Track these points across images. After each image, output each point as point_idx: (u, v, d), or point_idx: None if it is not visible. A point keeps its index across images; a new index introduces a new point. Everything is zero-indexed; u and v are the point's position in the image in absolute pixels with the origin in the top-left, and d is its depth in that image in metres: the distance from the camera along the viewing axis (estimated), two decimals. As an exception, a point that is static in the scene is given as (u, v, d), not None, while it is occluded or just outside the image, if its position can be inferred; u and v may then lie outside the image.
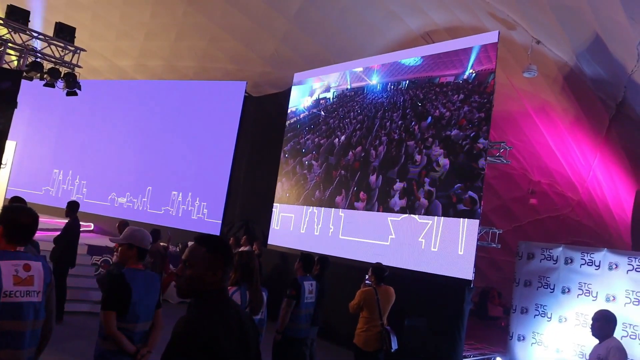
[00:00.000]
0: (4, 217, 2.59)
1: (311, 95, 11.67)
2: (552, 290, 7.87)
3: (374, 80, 10.09)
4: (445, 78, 8.76)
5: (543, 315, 7.90)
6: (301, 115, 11.68)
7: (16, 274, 2.48)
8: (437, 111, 8.75)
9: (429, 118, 8.84)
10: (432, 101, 8.92)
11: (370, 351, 5.33)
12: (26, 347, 2.52)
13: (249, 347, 1.98)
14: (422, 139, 8.88)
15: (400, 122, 9.42)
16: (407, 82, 9.47)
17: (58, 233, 7.77)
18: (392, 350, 5.32)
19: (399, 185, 8.93)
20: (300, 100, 11.74)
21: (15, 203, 5.45)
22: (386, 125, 9.75)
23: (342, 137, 10.64)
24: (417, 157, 8.83)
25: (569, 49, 8.22)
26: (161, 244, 8.98)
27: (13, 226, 2.57)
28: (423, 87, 9.18)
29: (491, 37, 8.07)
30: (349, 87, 10.70)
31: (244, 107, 12.92)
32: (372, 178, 9.54)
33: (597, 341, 4.15)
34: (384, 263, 6.04)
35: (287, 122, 11.75)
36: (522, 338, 8.11)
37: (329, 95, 11.12)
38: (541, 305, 7.95)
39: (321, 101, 11.31)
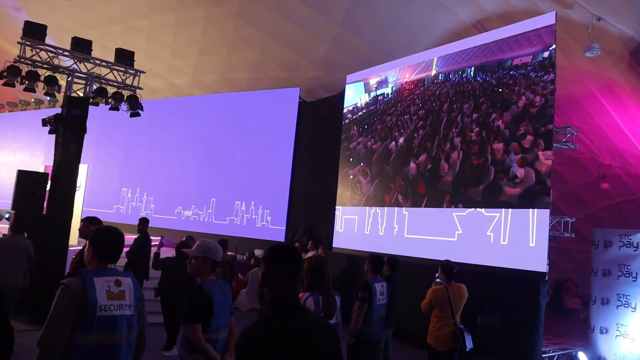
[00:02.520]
0: (93, 239, 2.77)
1: (368, 92, 11.59)
2: (634, 279, 7.45)
3: (434, 71, 9.81)
4: (520, 59, 8.16)
5: (626, 305, 7.49)
6: (358, 114, 11.62)
7: (109, 289, 2.64)
8: (523, 97, 7.90)
9: (513, 107, 8.02)
10: (510, 86, 8.20)
11: (444, 350, 5.22)
12: (123, 358, 2.67)
13: (319, 356, 1.97)
14: (515, 137, 7.88)
15: (475, 115, 8.63)
16: (473, 68, 8.99)
17: (128, 249, 8.14)
18: (467, 350, 5.19)
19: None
20: (356, 98, 11.69)
21: (89, 222, 5.73)
22: (456, 120, 8.95)
23: (401, 140, 10.19)
24: (518, 171, 7.77)
25: (634, 22, 7.77)
26: (229, 253, 9.20)
27: (102, 246, 2.75)
28: (494, 71, 8.55)
29: (548, 19, 7.75)
30: (407, 79, 10.43)
31: (299, 112, 13.05)
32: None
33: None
34: (452, 259, 5.90)
35: (344, 123, 11.75)
36: (604, 331, 7.72)
37: (387, 90, 10.97)
38: (624, 295, 7.54)
39: (379, 97, 11.19)
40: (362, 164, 11.12)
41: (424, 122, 9.81)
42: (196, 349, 3.08)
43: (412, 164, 9.79)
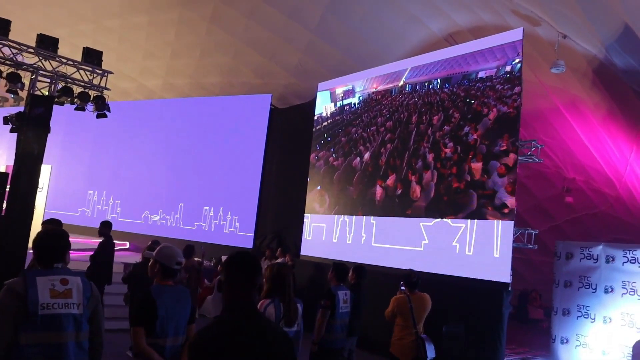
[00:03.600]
0: (35, 243, 2.80)
1: (334, 101, 11.58)
2: (594, 290, 7.62)
3: (402, 82, 9.89)
4: (485, 72, 8.27)
5: (586, 316, 7.65)
6: (323, 124, 11.61)
7: (53, 287, 2.64)
8: (495, 109, 7.86)
9: (485, 120, 7.91)
10: (478, 98, 8.18)
11: None
12: (71, 358, 2.65)
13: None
14: (494, 154, 7.60)
15: (446, 127, 8.43)
16: (439, 79, 9.05)
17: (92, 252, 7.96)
18: (428, 359, 5.20)
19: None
20: (321, 108, 11.72)
21: (49, 225, 5.65)
22: (427, 133, 8.73)
23: (366, 155, 10.02)
24: (507, 199, 7.29)
25: (597, 41, 8.01)
26: (195, 259, 9.06)
27: (41, 250, 2.79)
28: (460, 83, 8.62)
29: (515, 34, 7.92)
30: (375, 89, 10.46)
31: (271, 119, 13.02)
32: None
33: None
34: (418, 269, 5.94)
35: (314, 130, 11.75)
36: (565, 341, 7.87)
37: (354, 100, 10.99)
38: (584, 306, 7.71)
39: (345, 107, 11.20)
40: (319, 188, 11.03)
41: (391, 134, 9.75)
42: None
43: (379, 188, 9.58)
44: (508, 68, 7.91)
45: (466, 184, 8.05)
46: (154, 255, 3.34)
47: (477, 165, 7.94)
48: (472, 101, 8.35)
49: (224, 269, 2.16)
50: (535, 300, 13.62)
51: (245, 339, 1.93)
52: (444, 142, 8.60)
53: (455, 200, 8.17)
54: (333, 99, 11.56)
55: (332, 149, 11.09)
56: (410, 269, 5.76)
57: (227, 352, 1.87)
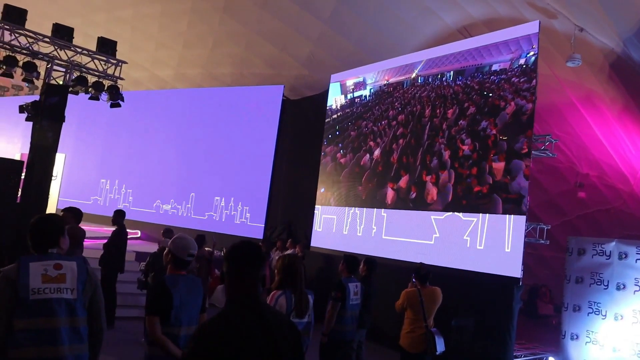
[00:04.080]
0: (28, 229, 2.80)
1: (344, 94, 11.50)
2: (606, 287, 7.56)
3: (414, 74, 9.81)
4: (499, 65, 8.10)
5: (597, 313, 7.60)
6: (332, 117, 11.55)
7: (45, 272, 2.63)
8: (512, 103, 7.54)
9: (503, 114, 7.62)
10: (494, 91, 7.90)
11: (416, 353, 5.24)
12: (65, 343, 2.62)
13: (277, 354, 1.96)
14: (518, 154, 7.29)
15: (462, 122, 8.14)
16: (452, 72, 8.91)
17: (106, 240, 8.05)
18: (437, 353, 5.21)
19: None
20: (332, 100, 11.67)
21: (69, 213, 5.72)
22: (442, 128, 8.43)
23: (377, 152, 9.83)
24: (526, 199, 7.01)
25: (614, 34, 7.89)
26: (206, 249, 9.13)
27: (33, 235, 2.78)
28: (474, 76, 8.43)
29: (531, 27, 7.83)
30: (387, 82, 10.36)
31: (282, 110, 13.01)
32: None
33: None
34: (429, 262, 5.95)
35: (326, 122, 11.73)
36: (575, 337, 7.83)
37: (365, 92, 10.92)
38: (595, 302, 7.66)
39: (356, 99, 11.14)
40: (322, 190, 10.96)
41: (404, 129, 9.61)
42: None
43: (390, 190, 9.40)
44: (522, 61, 7.83)
45: (489, 187, 7.72)
46: (168, 244, 3.38)
47: (499, 165, 7.61)
48: (489, 94, 8.17)
49: (227, 260, 2.13)
50: (545, 295, 13.55)
51: (248, 333, 1.91)
52: (460, 138, 8.31)
53: (477, 206, 7.88)
54: (343, 91, 11.49)
55: (340, 144, 11.00)
56: (421, 263, 5.76)
57: (230, 345, 1.85)
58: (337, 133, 11.23)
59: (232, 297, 2.06)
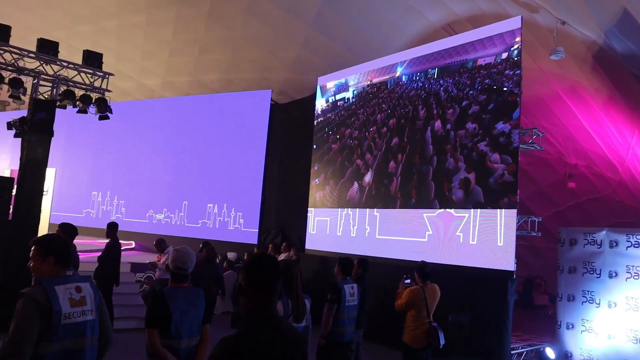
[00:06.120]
0: (54, 247, 2.76)
1: (325, 97, 11.43)
2: (598, 276, 7.66)
3: (398, 73, 9.78)
4: (484, 59, 8.13)
5: (591, 301, 7.70)
6: (318, 119, 11.53)
7: (71, 296, 2.66)
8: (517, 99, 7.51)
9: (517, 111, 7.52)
10: (498, 83, 7.83)
11: (418, 348, 5.38)
12: None
13: None
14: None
15: (471, 125, 8.01)
16: (437, 69, 8.97)
17: (100, 253, 8.04)
18: (441, 346, 5.33)
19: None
20: (317, 103, 11.69)
21: (64, 229, 5.69)
22: (449, 136, 8.27)
23: (368, 177, 9.73)
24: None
25: (596, 26, 7.99)
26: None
27: (59, 256, 2.75)
28: (461, 72, 8.46)
29: (514, 23, 7.91)
30: (370, 82, 10.30)
31: (272, 114, 13.04)
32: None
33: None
34: (423, 260, 6.02)
35: (316, 123, 11.74)
36: (571, 326, 7.92)
37: (348, 94, 10.84)
38: (588, 291, 7.75)
39: (338, 102, 11.07)
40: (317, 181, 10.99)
41: (399, 138, 9.48)
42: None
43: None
44: (505, 55, 7.91)
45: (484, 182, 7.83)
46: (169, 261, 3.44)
47: (493, 159, 7.68)
48: (494, 86, 7.93)
49: (244, 273, 2.10)
50: (540, 286, 13.69)
51: (269, 348, 1.93)
52: (481, 150, 7.89)
53: (468, 201, 8.10)
54: (324, 94, 11.48)
55: (316, 166, 11.05)
56: (422, 261, 5.86)
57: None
58: (314, 147, 11.17)
59: (251, 312, 2.05)
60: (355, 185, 10.15)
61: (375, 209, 9.65)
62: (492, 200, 7.69)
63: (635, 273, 7.24)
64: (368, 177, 9.94)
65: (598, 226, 8.17)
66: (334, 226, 10.49)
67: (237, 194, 13.06)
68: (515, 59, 7.75)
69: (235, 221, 12.99)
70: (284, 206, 12.90)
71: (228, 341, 1.92)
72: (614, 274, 7.46)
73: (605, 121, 10.08)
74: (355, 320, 5.46)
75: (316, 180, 11.31)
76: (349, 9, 10.28)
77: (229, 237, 12.82)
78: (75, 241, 6.26)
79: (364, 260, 6.46)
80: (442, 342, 5.37)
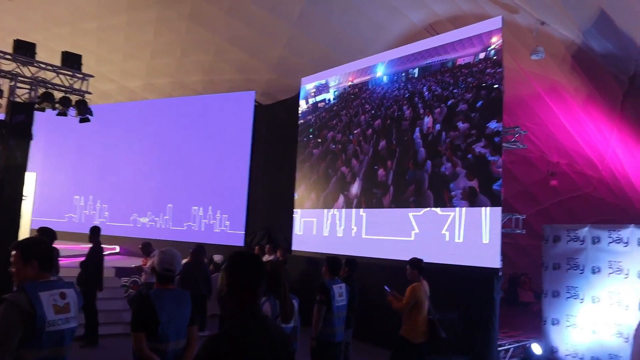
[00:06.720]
0: (37, 251, 2.70)
1: (306, 98, 11.35)
2: (581, 271, 7.77)
3: (379, 73, 9.77)
4: (463, 59, 8.18)
5: (575, 297, 7.80)
6: (300, 122, 11.46)
7: (55, 302, 2.61)
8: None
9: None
10: (485, 82, 7.82)
11: (418, 343, 5.44)
12: None
13: None
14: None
15: (461, 124, 7.89)
16: (417, 69, 8.98)
17: (83, 258, 7.91)
18: (444, 338, 5.46)
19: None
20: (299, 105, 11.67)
21: (44, 234, 5.59)
22: (440, 137, 8.14)
23: (354, 187, 9.64)
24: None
25: (574, 27, 8.11)
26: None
27: (42, 261, 2.69)
28: (444, 71, 8.48)
29: (494, 23, 7.98)
30: (351, 83, 10.27)
31: (255, 116, 12.99)
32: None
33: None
34: (409, 258, 6.03)
35: (300, 123, 11.70)
36: (556, 322, 8.01)
37: (329, 95, 10.78)
38: (572, 287, 7.86)
39: (319, 104, 10.99)
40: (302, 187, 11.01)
41: (387, 142, 9.41)
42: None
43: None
44: (482, 55, 7.98)
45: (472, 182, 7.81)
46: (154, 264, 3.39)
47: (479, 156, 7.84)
48: (482, 84, 7.88)
49: (227, 273, 2.07)
50: (525, 283, 13.84)
51: (255, 346, 1.91)
52: (477, 151, 7.79)
53: (452, 199, 8.16)
54: (305, 95, 11.45)
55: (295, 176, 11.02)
56: (415, 257, 5.87)
57: (237, 358, 1.86)
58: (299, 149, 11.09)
59: (236, 311, 2.02)
60: (341, 198, 10.04)
61: (361, 209, 9.65)
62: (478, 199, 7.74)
63: (617, 268, 7.35)
64: (355, 188, 9.85)
65: (581, 223, 8.29)
66: (321, 227, 10.47)
67: (223, 196, 12.98)
68: (494, 58, 7.81)
69: (221, 223, 12.91)
70: (270, 207, 12.85)
71: (213, 340, 1.90)
72: (596, 270, 7.57)
73: (585, 120, 10.23)
74: (345, 320, 5.44)
75: (295, 194, 11.23)
76: (332, 9, 10.29)
77: (215, 239, 12.73)
78: (57, 246, 6.16)
79: (351, 260, 6.45)
80: (444, 334, 5.46)
